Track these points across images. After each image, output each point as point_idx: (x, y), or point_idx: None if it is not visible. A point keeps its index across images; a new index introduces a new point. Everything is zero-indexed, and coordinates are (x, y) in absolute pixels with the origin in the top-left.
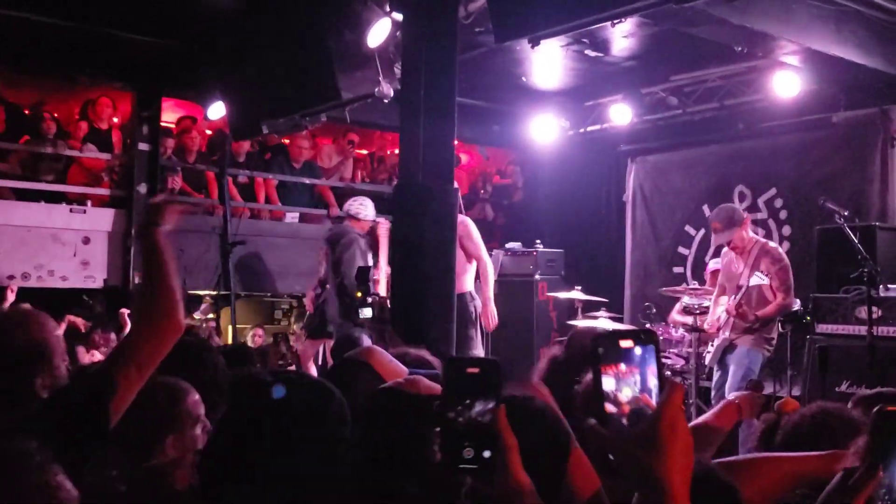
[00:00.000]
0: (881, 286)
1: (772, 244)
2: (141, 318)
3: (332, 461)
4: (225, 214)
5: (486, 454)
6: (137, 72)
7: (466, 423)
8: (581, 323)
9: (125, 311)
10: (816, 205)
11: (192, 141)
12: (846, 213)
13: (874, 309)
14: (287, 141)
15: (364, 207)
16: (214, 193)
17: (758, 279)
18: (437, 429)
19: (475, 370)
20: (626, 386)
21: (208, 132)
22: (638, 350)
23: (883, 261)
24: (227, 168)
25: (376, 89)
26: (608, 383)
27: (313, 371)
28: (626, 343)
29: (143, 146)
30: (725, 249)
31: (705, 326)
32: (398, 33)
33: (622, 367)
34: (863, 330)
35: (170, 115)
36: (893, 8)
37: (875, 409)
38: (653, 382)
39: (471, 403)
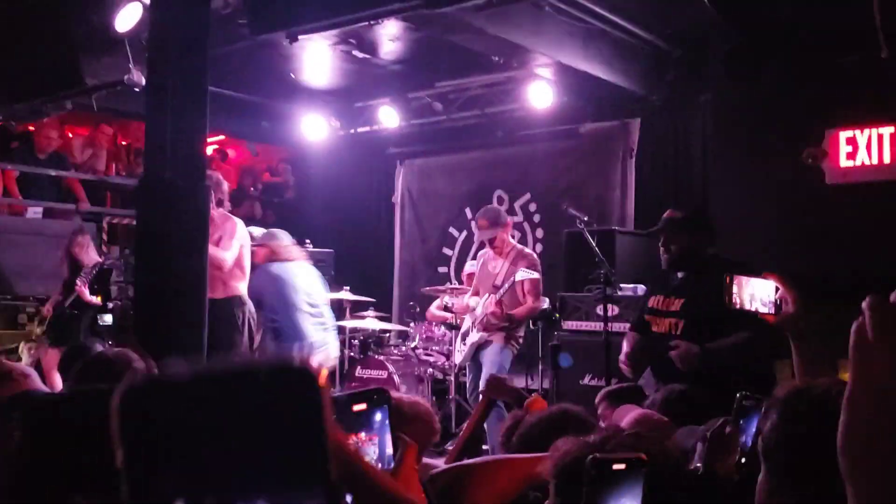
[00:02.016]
0: (618, 285)
1: (527, 250)
2: None
3: None
4: None
5: None
6: None
7: None
8: (349, 324)
9: None
10: (565, 209)
11: None
12: (586, 219)
13: (610, 307)
14: (33, 129)
15: None
16: None
17: (522, 274)
18: None
19: (362, 407)
20: (364, 454)
21: None
22: (378, 415)
23: (620, 262)
24: None
25: (126, 76)
26: None
27: (58, 381)
28: (359, 407)
29: None
30: (481, 252)
31: (465, 325)
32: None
33: (362, 435)
34: (602, 326)
35: None
36: (633, 30)
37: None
38: (389, 451)
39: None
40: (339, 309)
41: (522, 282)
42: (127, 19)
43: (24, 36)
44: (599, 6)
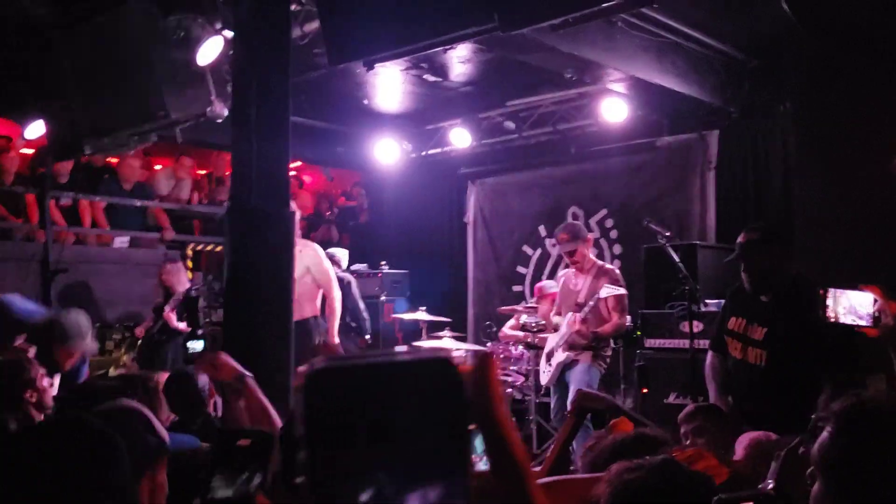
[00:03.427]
0: (701, 301)
1: (609, 265)
2: None
3: None
4: (46, 240)
5: None
6: None
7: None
8: (426, 343)
9: None
10: (643, 225)
11: (10, 161)
12: (668, 234)
13: (695, 323)
14: (116, 161)
15: None
16: (35, 218)
17: (606, 291)
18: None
19: (245, 443)
20: None
21: (25, 151)
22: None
23: (703, 277)
24: (48, 190)
25: (208, 109)
26: None
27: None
28: None
29: None
30: (562, 272)
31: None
32: (231, 52)
33: None
34: (686, 343)
35: None
36: (708, 41)
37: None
38: None
39: (248, 478)
40: (415, 329)
41: (607, 298)
42: (208, 53)
43: (110, 71)
44: (672, 19)
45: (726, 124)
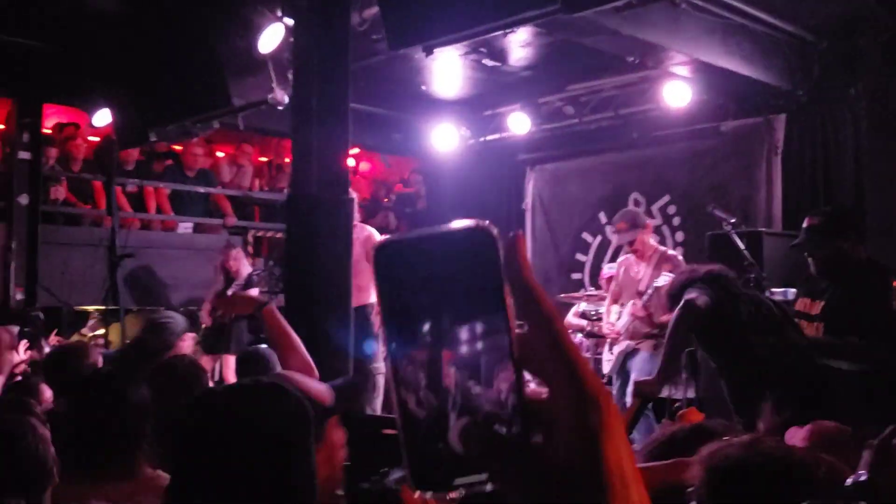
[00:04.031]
0: (767, 290)
1: (671, 252)
2: None
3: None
4: (113, 226)
5: None
6: (16, 77)
7: (380, 496)
8: None
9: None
10: (707, 211)
11: (77, 149)
12: (733, 220)
13: None
14: (180, 148)
15: None
16: (102, 204)
17: (664, 279)
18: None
19: (391, 431)
20: None
21: (92, 139)
22: None
23: (769, 265)
24: (114, 177)
25: (269, 96)
26: None
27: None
28: None
29: (23, 155)
30: (622, 258)
31: (604, 331)
32: (292, 39)
33: None
34: None
35: (52, 122)
36: (775, 23)
37: None
38: None
39: (387, 472)
40: None
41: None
42: (270, 40)
43: (174, 60)
44: (738, 0)
45: (794, 108)
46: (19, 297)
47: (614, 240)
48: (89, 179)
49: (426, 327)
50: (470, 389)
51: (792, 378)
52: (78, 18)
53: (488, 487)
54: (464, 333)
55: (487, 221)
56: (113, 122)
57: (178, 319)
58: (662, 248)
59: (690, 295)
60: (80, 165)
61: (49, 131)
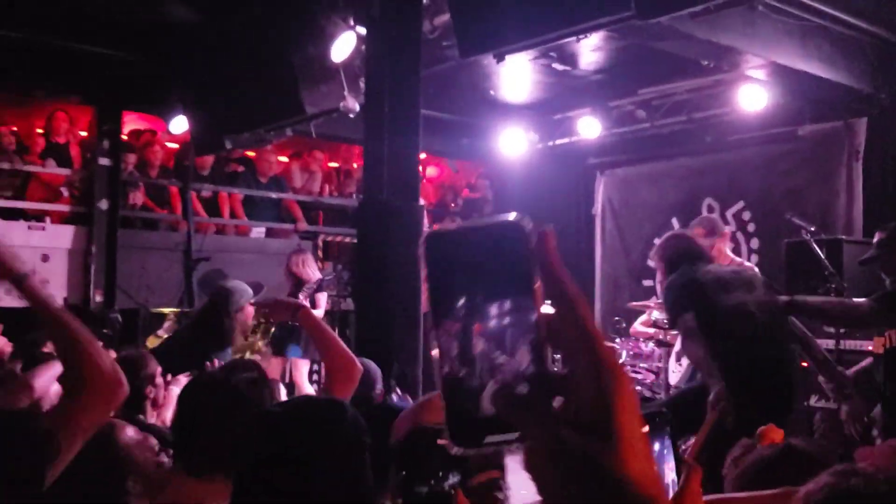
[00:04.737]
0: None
1: (747, 264)
2: (86, 387)
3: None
4: (189, 230)
5: None
6: (97, 86)
7: (436, 500)
8: None
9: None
10: (783, 218)
11: (155, 155)
12: (813, 229)
13: None
14: (253, 155)
15: None
16: (178, 208)
17: None
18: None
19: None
20: None
21: (169, 145)
22: (655, 445)
23: (849, 274)
24: (190, 183)
25: (341, 104)
26: None
27: (281, 389)
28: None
29: (103, 161)
30: None
31: (675, 341)
32: (363, 47)
33: None
34: (831, 344)
35: (129, 128)
36: (856, 23)
37: None
38: (670, 477)
39: (444, 476)
40: None
41: None
42: (342, 49)
43: (249, 69)
44: (818, 1)
45: (876, 111)
46: (99, 299)
47: None
48: (166, 185)
49: (461, 303)
50: (496, 359)
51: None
52: (156, 29)
53: (517, 446)
54: (494, 310)
55: (521, 216)
56: (190, 129)
57: (244, 288)
58: (739, 258)
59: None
60: (157, 171)
61: (125, 138)
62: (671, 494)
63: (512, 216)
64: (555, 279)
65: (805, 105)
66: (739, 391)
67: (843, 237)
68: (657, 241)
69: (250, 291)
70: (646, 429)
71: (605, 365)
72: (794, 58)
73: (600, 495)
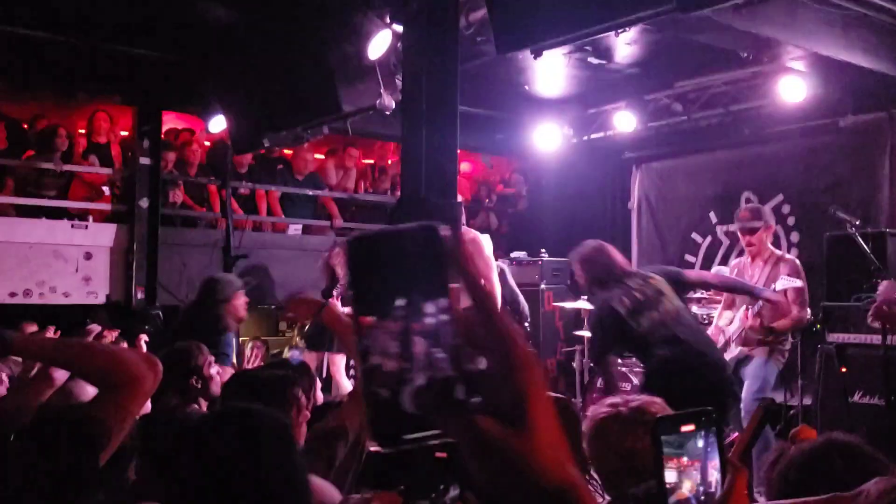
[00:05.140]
0: None
1: (789, 256)
2: (123, 381)
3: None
4: (227, 228)
5: None
6: (137, 86)
7: None
8: (585, 334)
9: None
10: (824, 211)
11: (193, 154)
12: (857, 223)
13: None
14: (290, 152)
15: None
16: (216, 206)
17: (783, 283)
18: None
19: (443, 454)
20: (686, 479)
21: (206, 143)
22: (700, 441)
23: (893, 267)
24: (229, 181)
25: (378, 101)
26: (669, 476)
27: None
28: (687, 427)
29: (144, 160)
30: (735, 261)
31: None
32: (399, 44)
33: (684, 459)
34: (876, 339)
35: (166, 127)
36: None
37: None
38: (714, 476)
39: (444, 490)
40: (576, 319)
41: (785, 290)
42: (379, 46)
43: (286, 67)
44: None
45: None
46: (140, 296)
47: (726, 240)
48: (205, 183)
49: (400, 303)
50: (434, 354)
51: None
52: (194, 29)
53: (436, 442)
54: (429, 308)
55: (436, 222)
56: (228, 128)
57: (232, 279)
58: (780, 252)
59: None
60: (196, 170)
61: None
62: (718, 494)
63: (426, 223)
64: (469, 281)
65: (846, 96)
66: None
67: (888, 230)
68: (694, 237)
69: (239, 283)
70: (691, 427)
71: (520, 361)
72: (835, 48)
73: (517, 481)
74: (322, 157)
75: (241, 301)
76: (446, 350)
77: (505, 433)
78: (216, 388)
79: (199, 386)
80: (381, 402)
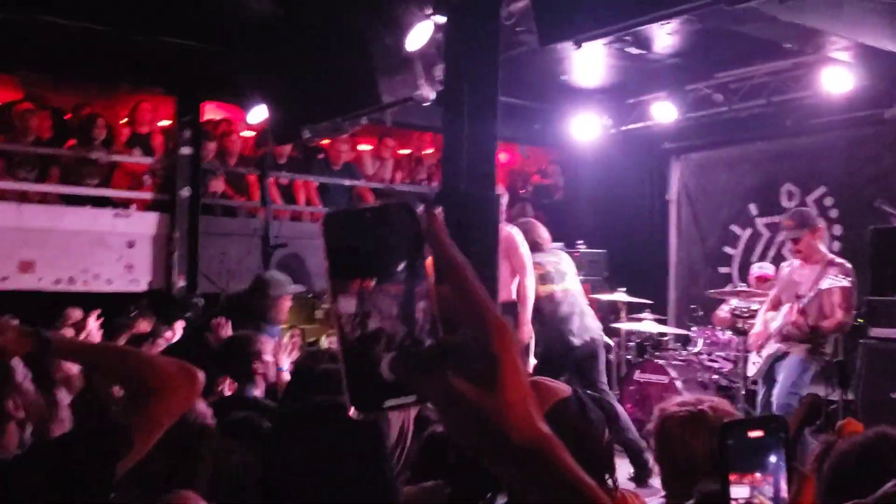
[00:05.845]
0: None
1: (840, 259)
2: (156, 391)
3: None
4: (267, 217)
5: None
6: (178, 77)
7: None
8: (626, 326)
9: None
10: (868, 204)
11: (234, 144)
12: None
13: None
14: (327, 143)
15: None
16: (256, 196)
17: (829, 282)
18: None
19: (758, 434)
20: (759, 494)
21: (244, 134)
22: (773, 457)
23: None
24: (268, 171)
25: (416, 92)
26: (741, 491)
27: None
28: (755, 434)
29: (185, 150)
30: (787, 263)
31: (748, 340)
32: (439, 35)
33: (757, 475)
34: None
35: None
36: None
37: None
38: (785, 490)
39: (492, 497)
40: (614, 311)
41: (831, 292)
42: (418, 38)
43: (326, 58)
44: None
45: None
46: (181, 284)
47: (766, 232)
48: (244, 173)
49: (401, 267)
50: (410, 324)
51: None
52: (235, 20)
53: (414, 407)
54: (404, 280)
55: (410, 198)
56: (268, 118)
57: (284, 280)
58: (831, 255)
59: None
60: (236, 160)
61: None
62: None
63: (401, 200)
64: (445, 253)
65: (892, 87)
66: None
67: None
68: (733, 228)
69: (290, 287)
70: (759, 433)
71: (492, 327)
72: (882, 38)
73: (490, 437)
74: (365, 147)
75: (287, 304)
76: (422, 320)
77: (478, 393)
78: (272, 374)
79: (260, 371)
80: (357, 370)
